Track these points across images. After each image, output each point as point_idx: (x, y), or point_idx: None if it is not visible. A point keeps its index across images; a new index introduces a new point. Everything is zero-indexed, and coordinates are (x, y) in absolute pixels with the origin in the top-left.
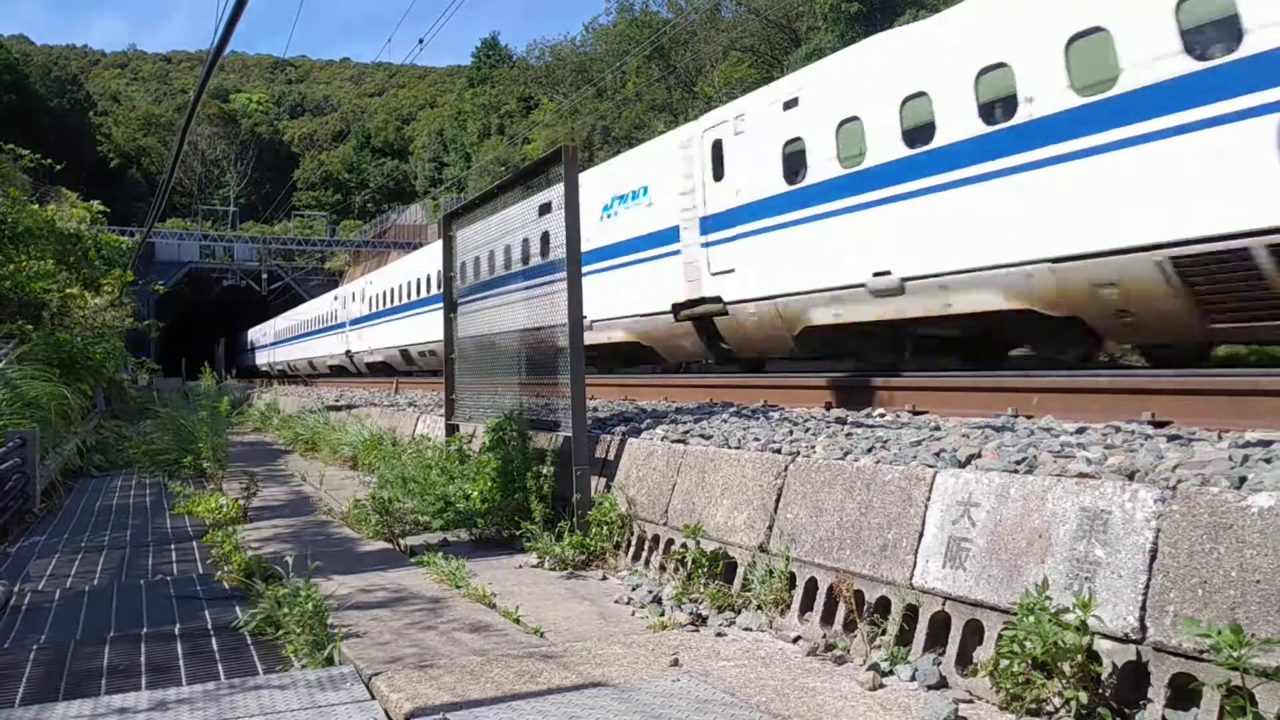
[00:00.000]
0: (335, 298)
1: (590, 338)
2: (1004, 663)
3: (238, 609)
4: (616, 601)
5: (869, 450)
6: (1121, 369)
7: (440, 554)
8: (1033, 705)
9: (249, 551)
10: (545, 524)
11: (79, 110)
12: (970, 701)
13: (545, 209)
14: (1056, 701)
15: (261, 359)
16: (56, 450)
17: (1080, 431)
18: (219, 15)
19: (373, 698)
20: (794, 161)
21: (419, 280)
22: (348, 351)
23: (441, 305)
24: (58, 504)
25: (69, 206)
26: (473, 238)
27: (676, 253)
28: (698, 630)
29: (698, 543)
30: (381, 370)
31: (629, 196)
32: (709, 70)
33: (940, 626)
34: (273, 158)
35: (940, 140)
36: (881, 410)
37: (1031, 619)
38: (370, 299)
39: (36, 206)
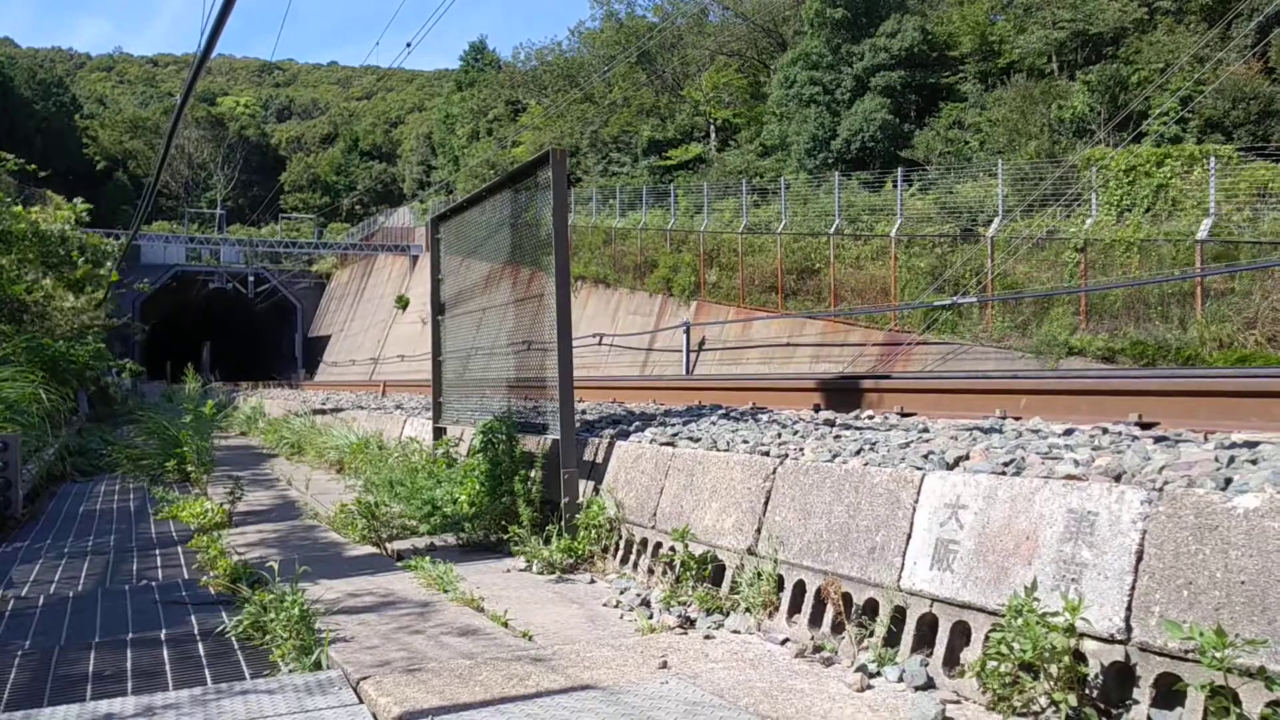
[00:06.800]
0: None
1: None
2: (991, 664)
3: (224, 614)
4: (605, 605)
5: (857, 452)
6: (1110, 370)
7: (428, 558)
8: (1020, 706)
9: (235, 556)
10: (533, 528)
11: (65, 113)
12: (957, 702)
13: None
14: (1043, 702)
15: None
16: (39, 454)
17: (1068, 433)
18: (205, 18)
19: (361, 702)
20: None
21: None
22: None
23: None
24: (40, 509)
25: (54, 209)
26: (460, 240)
27: None
28: (686, 633)
29: (686, 546)
30: None
31: None
32: (696, 74)
33: (928, 628)
34: (260, 160)
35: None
36: (870, 412)
37: (1019, 621)
38: None
39: (20, 209)
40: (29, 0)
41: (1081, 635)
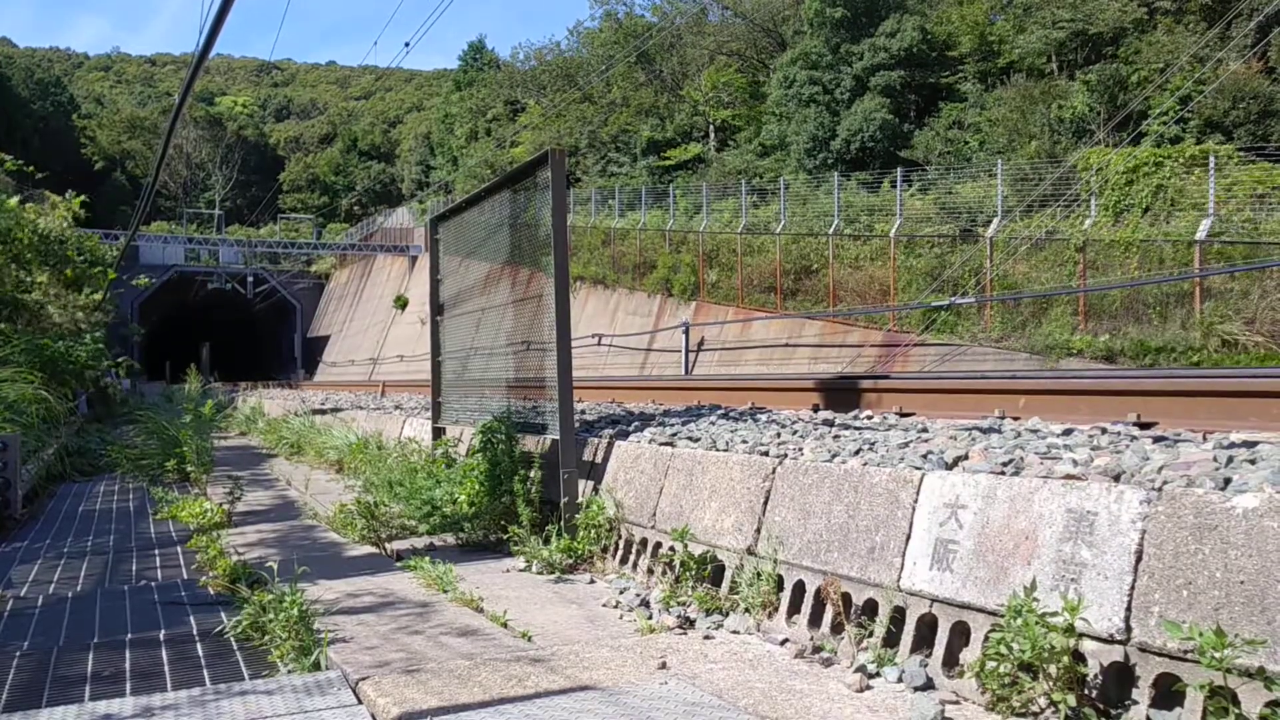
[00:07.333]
0: None
1: None
2: (990, 664)
3: (223, 614)
4: (604, 605)
5: (856, 452)
6: (1108, 370)
7: (427, 558)
8: (1019, 706)
9: (234, 556)
10: (533, 528)
11: (63, 113)
12: (957, 703)
13: None
14: (1042, 702)
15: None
16: (38, 455)
17: (1067, 433)
18: (204, 17)
19: (360, 702)
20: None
21: None
22: None
23: None
24: (39, 509)
25: (50, 208)
26: (459, 240)
27: None
28: (685, 633)
29: (685, 546)
30: None
31: None
32: (695, 74)
33: (927, 628)
34: (258, 161)
35: None
36: (869, 412)
37: (1018, 621)
38: None
39: (14, 201)
40: (27, 0)
41: (1081, 635)
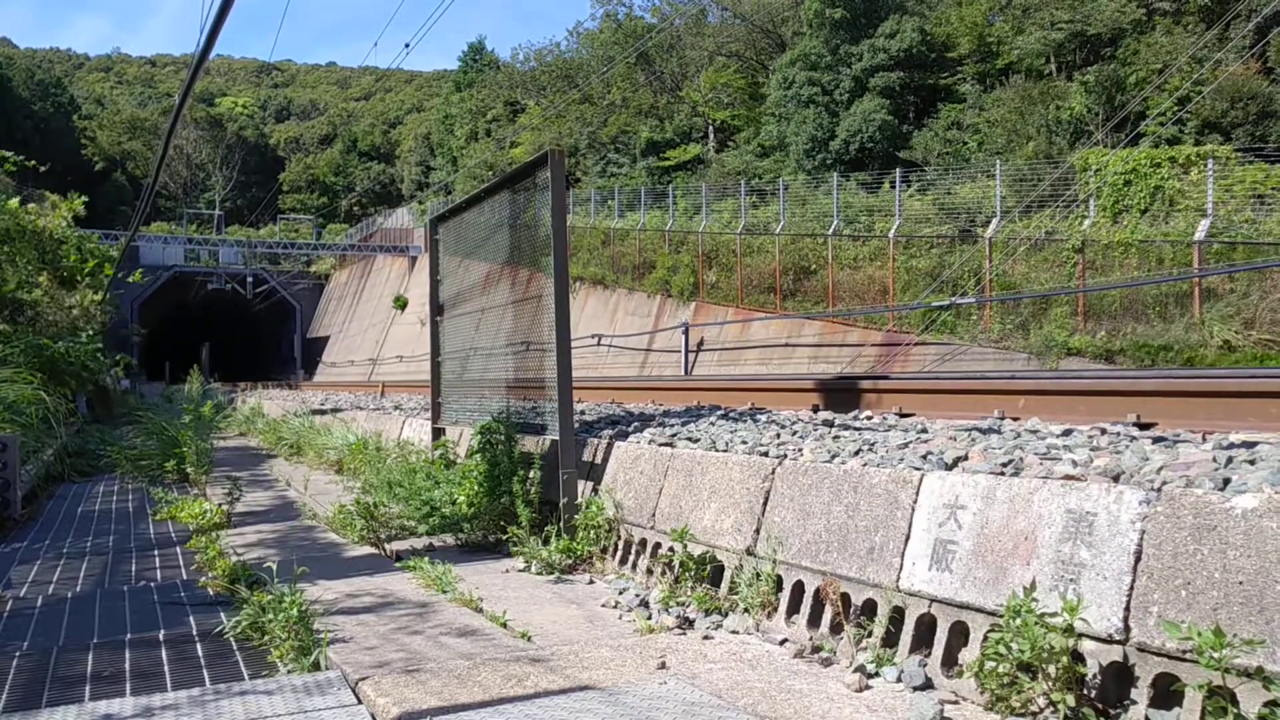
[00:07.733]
0: None
1: None
2: (989, 664)
3: (223, 615)
4: (604, 605)
5: (856, 453)
6: (1108, 371)
7: (426, 559)
8: (1018, 706)
9: (233, 557)
10: (532, 528)
11: (63, 114)
12: (956, 703)
13: None
14: (1042, 702)
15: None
16: (38, 455)
17: (1066, 433)
18: (204, 18)
19: (359, 702)
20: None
21: None
22: None
23: None
24: (39, 509)
25: (50, 208)
26: (459, 241)
27: None
28: (685, 633)
29: (685, 546)
30: None
31: None
32: (694, 75)
33: (926, 628)
34: (258, 161)
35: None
36: (869, 412)
37: (1017, 621)
38: None
39: (15, 203)
40: (27, 0)
41: (1080, 635)
